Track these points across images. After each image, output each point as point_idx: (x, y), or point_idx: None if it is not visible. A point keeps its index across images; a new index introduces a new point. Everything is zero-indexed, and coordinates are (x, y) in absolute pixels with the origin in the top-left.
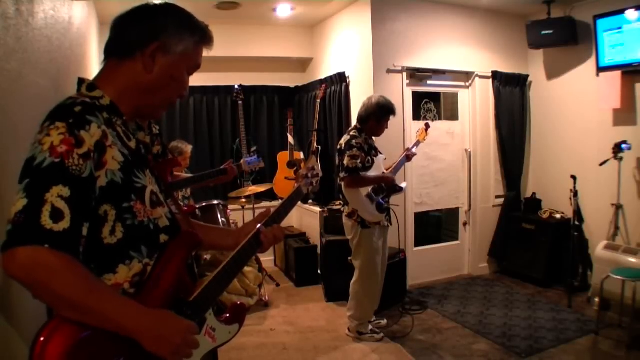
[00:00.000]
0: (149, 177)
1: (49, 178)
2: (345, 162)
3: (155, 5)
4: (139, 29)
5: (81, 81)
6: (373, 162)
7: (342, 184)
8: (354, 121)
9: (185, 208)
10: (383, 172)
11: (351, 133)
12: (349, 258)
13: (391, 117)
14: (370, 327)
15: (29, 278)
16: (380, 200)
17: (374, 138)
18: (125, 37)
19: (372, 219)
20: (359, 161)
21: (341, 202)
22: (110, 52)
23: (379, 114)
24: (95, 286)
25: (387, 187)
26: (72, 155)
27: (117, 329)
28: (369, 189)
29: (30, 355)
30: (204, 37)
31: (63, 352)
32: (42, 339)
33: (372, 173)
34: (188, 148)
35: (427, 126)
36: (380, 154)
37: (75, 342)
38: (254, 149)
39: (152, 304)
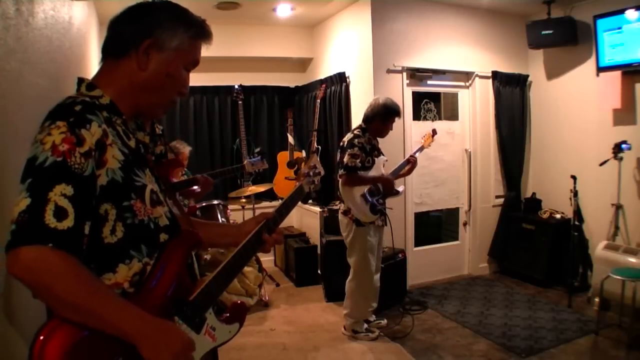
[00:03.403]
0: (149, 176)
1: (51, 177)
2: (345, 159)
3: (150, 3)
4: (133, 27)
5: (80, 81)
6: (373, 162)
7: (340, 181)
8: (354, 121)
9: (186, 208)
10: (382, 174)
11: (355, 132)
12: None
13: (396, 119)
14: (365, 325)
15: (32, 278)
16: (375, 201)
17: (378, 139)
18: (121, 36)
19: (365, 219)
20: (358, 160)
21: (339, 199)
22: (107, 51)
23: (385, 114)
24: (97, 289)
25: (384, 189)
26: (74, 153)
27: (117, 332)
28: (365, 189)
29: (30, 354)
30: (200, 31)
31: (62, 351)
32: (41, 338)
33: (371, 173)
34: (186, 149)
35: (434, 132)
36: (382, 155)
37: (75, 342)
38: (257, 149)
39: (152, 303)
